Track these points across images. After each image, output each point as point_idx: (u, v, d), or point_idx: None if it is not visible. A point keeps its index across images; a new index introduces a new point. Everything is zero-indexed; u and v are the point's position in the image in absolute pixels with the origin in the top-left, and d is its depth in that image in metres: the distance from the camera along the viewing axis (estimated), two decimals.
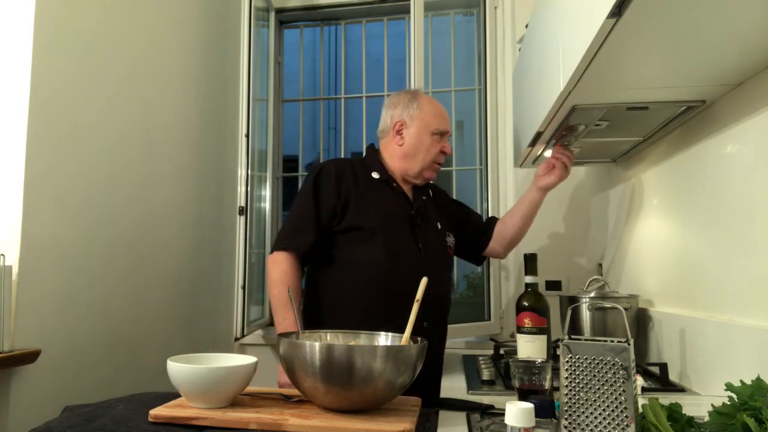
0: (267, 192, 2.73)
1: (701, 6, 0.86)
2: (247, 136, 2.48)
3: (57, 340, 1.51)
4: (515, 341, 1.46)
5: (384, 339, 1.14)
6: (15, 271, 1.39)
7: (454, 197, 2.67)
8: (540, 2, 1.55)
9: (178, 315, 2.11)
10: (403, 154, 1.65)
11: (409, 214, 1.62)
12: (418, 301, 1.10)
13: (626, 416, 0.75)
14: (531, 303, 1.38)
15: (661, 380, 1.37)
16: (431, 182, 1.79)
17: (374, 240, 1.53)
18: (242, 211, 2.53)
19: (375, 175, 1.64)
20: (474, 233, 1.83)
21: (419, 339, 1.05)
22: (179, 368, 0.95)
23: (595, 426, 0.77)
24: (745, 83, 1.17)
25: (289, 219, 1.60)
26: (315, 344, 0.94)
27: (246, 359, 1.03)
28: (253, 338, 2.58)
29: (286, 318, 1.48)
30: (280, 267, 1.52)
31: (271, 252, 1.57)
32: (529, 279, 1.43)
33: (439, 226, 1.69)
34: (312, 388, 0.96)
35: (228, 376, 0.97)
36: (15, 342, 1.38)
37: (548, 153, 1.77)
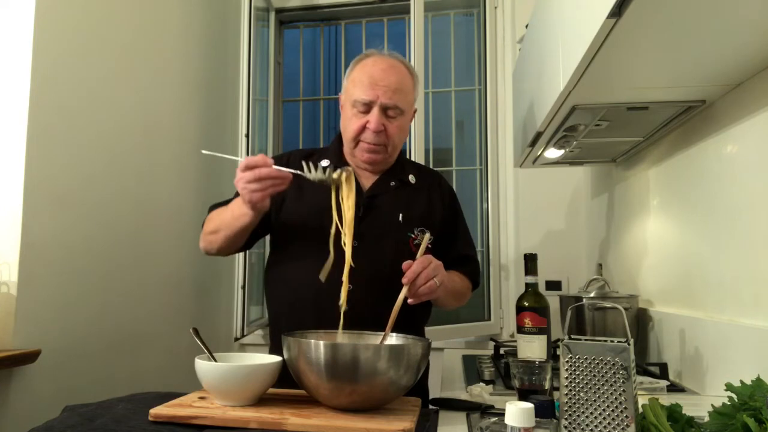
0: None
1: (701, 6, 0.86)
2: (247, 136, 2.48)
3: (57, 340, 1.51)
4: (515, 341, 1.45)
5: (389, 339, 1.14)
6: (15, 271, 1.39)
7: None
8: (540, 2, 1.55)
9: (177, 315, 2.11)
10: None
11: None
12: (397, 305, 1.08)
13: (626, 416, 0.75)
14: (531, 303, 1.38)
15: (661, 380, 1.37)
16: (429, 169, 1.57)
17: (290, 246, 1.35)
18: None
19: (323, 164, 1.37)
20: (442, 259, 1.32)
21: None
22: (207, 366, 0.99)
23: (595, 426, 0.77)
24: (745, 83, 1.17)
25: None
26: (320, 342, 0.95)
27: (271, 358, 1.06)
28: (253, 338, 2.58)
29: (224, 210, 1.30)
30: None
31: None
32: (529, 279, 1.42)
33: (401, 219, 1.35)
34: (317, 386, 0.96)
35: (254, 374, 1.00)
36: (15, 342, 1.38)
37: (548, 153, 1.77)
